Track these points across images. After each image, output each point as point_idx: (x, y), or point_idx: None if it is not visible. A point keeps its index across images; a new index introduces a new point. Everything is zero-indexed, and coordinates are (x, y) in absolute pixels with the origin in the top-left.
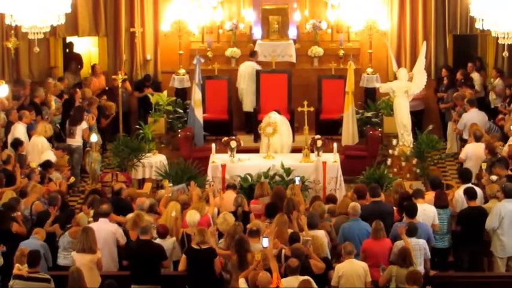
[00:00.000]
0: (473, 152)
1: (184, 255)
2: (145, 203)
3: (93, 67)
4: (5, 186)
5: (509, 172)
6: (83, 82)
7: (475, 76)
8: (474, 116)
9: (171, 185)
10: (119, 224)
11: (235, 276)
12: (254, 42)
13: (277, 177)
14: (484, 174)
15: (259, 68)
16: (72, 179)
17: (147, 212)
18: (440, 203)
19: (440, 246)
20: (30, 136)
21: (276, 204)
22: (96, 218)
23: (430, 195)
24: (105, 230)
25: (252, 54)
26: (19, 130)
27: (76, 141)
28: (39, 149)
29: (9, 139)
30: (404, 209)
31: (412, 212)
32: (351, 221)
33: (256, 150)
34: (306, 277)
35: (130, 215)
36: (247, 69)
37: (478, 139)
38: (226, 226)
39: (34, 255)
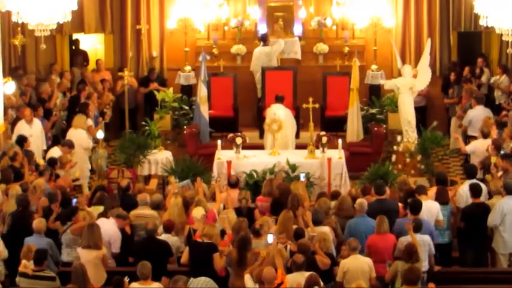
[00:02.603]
0: (482, 149)
1: (186, 248)
2: (147, 198)
3: (96, 62)
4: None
5: None
6: (83, 75)
7: (486, 71)
8: (480, 113)
9: (177, 181)
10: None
11: (234, 273)
12: (259, 39)
13: (282, 174)
14: (493, 168)
15: (273, 51)
16: (78, 174)
17: (152, 208)
18: (441, 199)
19: (441, 242)
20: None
21: (281, 201)
22: (105, 215)
23: (433, 191)
24: (111, 228)
25: (264, 39)
26: (20, 127)
27: None
28: (79, 143)
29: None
30: (409, 205)
31: (417, 208)
32: (357, 218)
33: (262, 147)
34: (312, 272)
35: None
36: (261, 55)
37: (485, 136)
38: (228, 223)
39: (40, 253)
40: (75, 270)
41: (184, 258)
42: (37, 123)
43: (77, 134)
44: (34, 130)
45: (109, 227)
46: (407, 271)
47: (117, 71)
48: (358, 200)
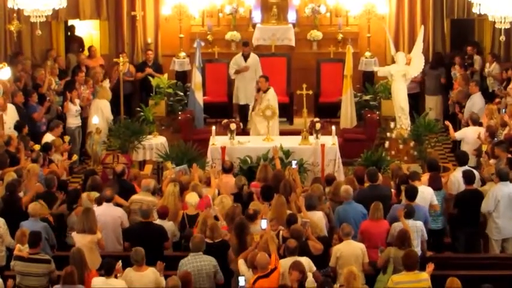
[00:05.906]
0: (472, 136)
1: None
2: (150, 184)
3: (89, 49)
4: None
5: (509, 155)
6: (79, 61)
7: (477, 59)
8: (479, 101)
9: (174, 166)
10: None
11: (234, 259)
12: (254, 26)
13: (278, 151)
14: (484, 156)
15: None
16: (75, 157)
17: (152, 193)
18: (435, 185)
19: (434, 228)
20: (32, 119)
21: (271, 186)
22: (99, 202)
23: (426, 177)
24: (111, 214)
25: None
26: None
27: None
28: (102, 113)
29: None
30: (404, 191)
31: (412, 195)
32: (345, 204)
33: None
34: (304, 258)
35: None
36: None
37: (475, 122)
38: (222, 209)
39: (35, 236)
40: (73, 255)
41: None
42: (11, 109)
43: (101, 105)
44: (7, 117)
45: (114, 210)
46: (404, 257)
47: (114, 57)
48: (343, 187)
